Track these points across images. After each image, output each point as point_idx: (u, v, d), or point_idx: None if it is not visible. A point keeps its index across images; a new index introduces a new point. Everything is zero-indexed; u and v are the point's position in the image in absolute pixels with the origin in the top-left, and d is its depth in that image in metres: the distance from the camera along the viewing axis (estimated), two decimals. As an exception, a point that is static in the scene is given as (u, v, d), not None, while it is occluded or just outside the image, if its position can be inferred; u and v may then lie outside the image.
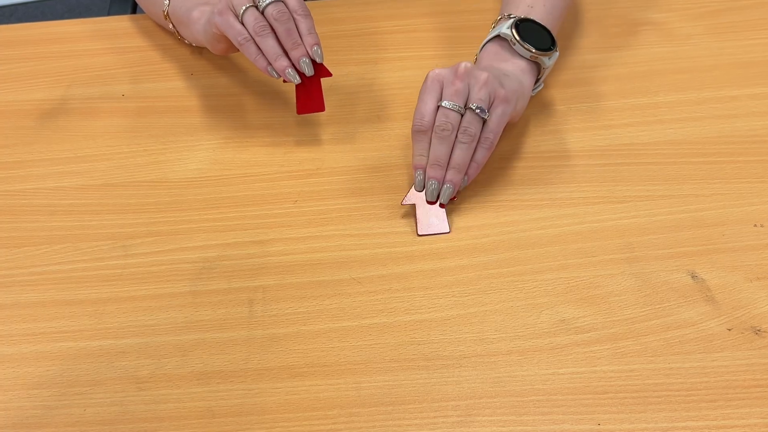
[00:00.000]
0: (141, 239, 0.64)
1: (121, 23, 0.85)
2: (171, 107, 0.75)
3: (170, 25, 0.76)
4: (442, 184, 0.62)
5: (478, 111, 0.60)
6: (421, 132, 0.62)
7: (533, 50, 0.65)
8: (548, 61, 0.67)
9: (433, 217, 0.63)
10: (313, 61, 0.65)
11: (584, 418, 0.51)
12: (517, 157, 0.68)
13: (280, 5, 0.63)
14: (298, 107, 0.68)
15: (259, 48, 0.64)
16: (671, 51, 0.77)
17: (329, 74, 0.66)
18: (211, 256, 0.62)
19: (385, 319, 0.57)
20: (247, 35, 0.63)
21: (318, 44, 0.64)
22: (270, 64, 0.64)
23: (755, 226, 0.61)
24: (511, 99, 0.62)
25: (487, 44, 0.69)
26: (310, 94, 0.67)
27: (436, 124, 0.61)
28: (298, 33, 0.64)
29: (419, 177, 0.63)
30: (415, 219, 0.63)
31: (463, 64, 0.62)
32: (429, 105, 0.61)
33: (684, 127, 0.69)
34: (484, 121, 0.61)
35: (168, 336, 0.57)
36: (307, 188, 0.67)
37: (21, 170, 0.70)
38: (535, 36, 0.66)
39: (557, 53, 0.68)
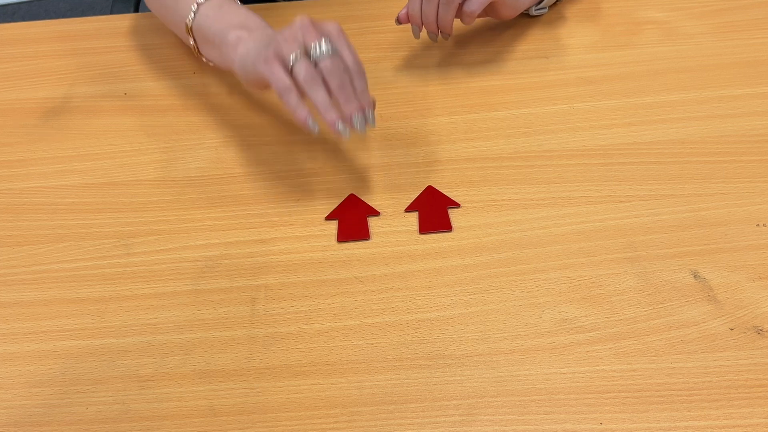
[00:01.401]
0: (143, 238, 0.64)
1: (123, 22, 0.85)
2: (173, 106, 0.75)
3: (191, 41, 0.70)
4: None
5: None
6: None
7: None
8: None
9: (435, 217, 0.63)
10: (360, 201, 0.63)
11: (586, 418, 0.51)
12: (519, 157, 0.68)
13: (337, 59, 0.58)
14: (338, 233, 0.63)
15: (300, 99, 0.59)
16: (674, 50, 0.77)
17: (377, 213, 0.64)
18: (213, 255, 0.62)
19: (387, 318, 0.57)
20: (290, 85, 0.58)
21: (372, 106, 0.59)
22: (310, 116, 0.58)
23: (758, 225, 0.61)
24: None
25: None
26: (353, 223, 0.63)
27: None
28: (353, 89, 0.59)
29: (416, 29, 0.72)
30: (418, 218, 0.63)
31: None
32: None
33: (686, 126, 0.69)
34: None
35: (170, 334, 0.57)
36: (309, 187, 0.67)
37: (23, 168, 0.70)
38: None
39: None
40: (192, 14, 0.68)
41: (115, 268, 0.62)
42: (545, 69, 0.76)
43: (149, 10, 0.82)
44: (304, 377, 0.54)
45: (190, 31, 0.69)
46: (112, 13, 0.97)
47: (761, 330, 0.54)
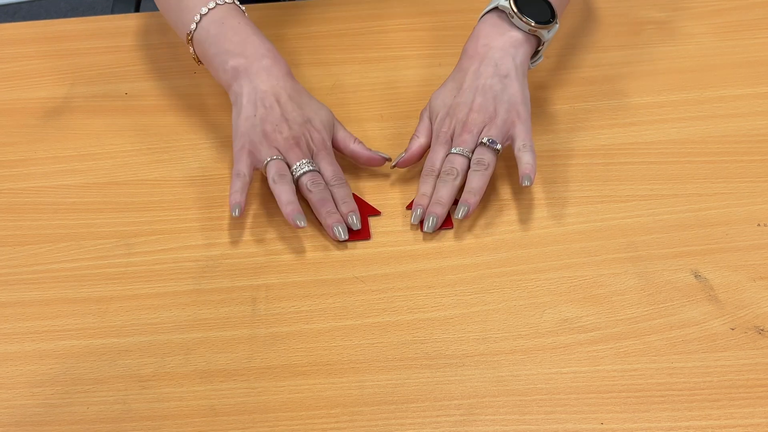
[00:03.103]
0: (144, 237, 0.64)
1: (124, 22, 0.85)
2: (174, 106, 0.75)
3: (191, 49, 0.69)
4: (461, 205, 0.61)
5: (489, 143, 0.62)
6: (431, 176, 0.63)
7: (532, 23, 0.64)
8: (547, 34, 0.66)
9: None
10: (362, 200, 0.65)
11: (587, 418, 0.51)
12: (520, 156, 0.68)
13: (316, 175, 0.62)
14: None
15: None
16: (675, 50, 0.77)
17: (377, 212, 0.64)
18: (214, 255, 0.62)
19: (388, 317, 0.57)
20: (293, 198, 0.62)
21: (354, 212, 0.62)
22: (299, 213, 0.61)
23: (759, 225, 0.61)
24: (525, 115, 0.64)
25: (485, 15, 0.67)
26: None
27: (443, 169, 0.62)
28: (334, 202, 0.62)
29: (418, 212, 0.62)
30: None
31: (468, 115, 0.63)
32: (440, 154, 0.64)
33: (687, 126, 0.69)
34: (497, 152, 0.62)
35: (171, 334, 0.57)
36: (310, 187, 0.67)
37: (24, 168, 0.70)
38: (534, 8, 0.65)
39: (557, 25, 0.66)
40: (194, 25, 0.67)
41: (116, 268, 0.62)
42: (546, 69, 0.76)
43: (150, 11, 0.82)
44: (305, 377, 0.54)
45: (190, 42, 0.68)
46: (112, 13, 0.96)
47: (762, 330, 0.54)
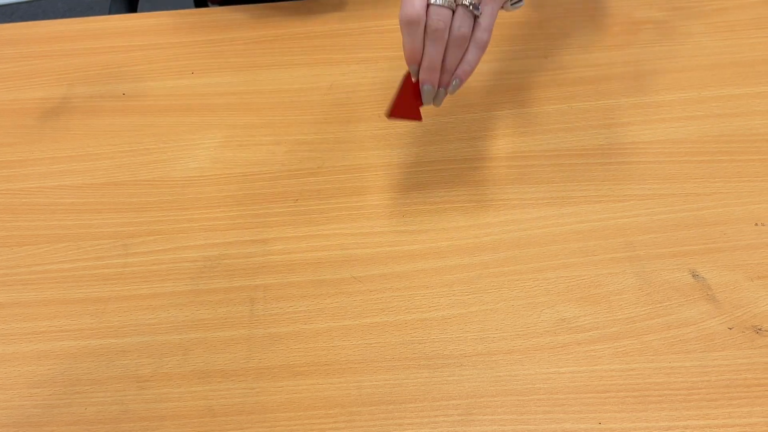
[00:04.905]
0: (142, 238, 0.64)
1: (122, 22, 0.85)
2: (172, 106, 0.75)
3: None
4: (438, 87, 0.59)
5: (471, 7, 0.56)
6: (413, 23, 0.56)
7: None
8: None
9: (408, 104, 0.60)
10: (415, 86, 0.60)
11: (585, 417, 0.51)
12: (518, 156, 0.68)
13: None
14: (393, 109, 0.59)
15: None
16: (672, 50, 0.77)
17: (419, 118, 0.61)
18: (212, 255, 0.62)
19: (386, 318, 0.57)
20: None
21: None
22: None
23: (756, 224, 0.61)
24: None
25: None
26: (410, 99, 0.60)
27: (429, 22, 0.56)
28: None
29: (414, 69, 0.58)
30: (393, 100, 0.60)
31: None
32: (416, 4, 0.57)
33: (685, 125, 0.69)
34: (476, 18, 0.57)
35: (169, 335, 0.57)
36: (308, 187, 0.67)
37: (22, 169, 0.70)
38: None
39: None
40: None
41: (114, 269, 0.62)
42: (544, 69, 0.76)
43: (148, 11, 0.82)
44: (303, 377, 0.54)
45: None
46: (110, 13, 0.96)
47: (760, 329, 0.55)
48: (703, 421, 0.50)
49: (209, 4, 1.06)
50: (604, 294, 0.57)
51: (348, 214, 0.64)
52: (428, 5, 0.56)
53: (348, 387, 0.53)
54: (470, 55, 0.58)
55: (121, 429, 0.52)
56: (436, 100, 0.60)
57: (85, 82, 0.78)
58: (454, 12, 0.56)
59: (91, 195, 0.67)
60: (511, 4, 0.63)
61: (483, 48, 0.58)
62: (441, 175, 0.67)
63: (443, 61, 0.58)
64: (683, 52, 0.77)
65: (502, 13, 0.82)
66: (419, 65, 0.58)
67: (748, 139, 0.68)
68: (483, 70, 0.77)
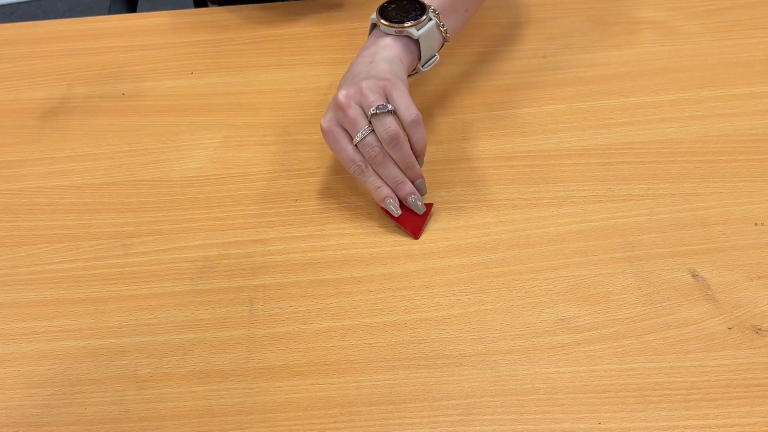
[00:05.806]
0: (141, 238, 0.64)
1: (121, 22, 0.85)
2: (171, 106, 0.75)
3: None
4: (414, 186, 0.62)
5: (379, 111, 0.58)
6: (359, 168, 0.60)
7: (394, 26, 0.62)
8: (417, 32, 0.62)
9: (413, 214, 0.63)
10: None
11: (585, 417, 0.51)
12: (518, 156, 0.68)
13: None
14: (413, 231, 0.63)
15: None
16: (672, 49, 0.77)
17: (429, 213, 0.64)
18: (211, 255, 0.62)
19: (386, 318, 0.57)
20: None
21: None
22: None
23: (756, 224, 0.61)
24: (393, 78, 0.60)
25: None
26: (409, 217, 0.63)
27: (367, 157, 0.60)
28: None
29: (392, 205, 0.61)
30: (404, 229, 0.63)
31: (335, 98, 0.60)
32: (349, 150, 0.60)
33: (684, 125, 0.69)
34: (391, 111, 0.59)
35: (168, 335, 0.57)
36: (308, 187, 0.67)
37: (22, 169, 0.70)
38: (402, 11, 0.63)
39: (431, 21, 0.63)
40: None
41: (113, 269, 0.62)
42: (544, 69, 0.76)
43: (147, 11, 0.82)
44: (302, 377, 0.54)
45: None
46: (109, 13, 0.97)
47: (759, 329, 0.55)
48: (702, 421, 0.50)
49: (209, 4, 1.06)
50: (603, 294, 0.57)
51: (347, 214, 0.64)
52: (355, 146, 0.60)
53: (348, 387, 0.53)
54: (415, 135, 0.61)
55: (120, 429, 0.52)
56: (421, 191, 0.63)
57: (85, 82, 0.78)
58: (373, 129, 0.59)
59: (90, 195, 0.67)
60: (422, 66, 0.65)
61: (419, 121, 0.61)
62: (441, 175, 0.67)
63: (401, 166, 0.61)
64: (683, 52, 0.77)
65: (500, 13, 0.83)
66: (387, 194, 0.62)
67: (748, 139, 0.68)
68: (483, 70, 0.77)
